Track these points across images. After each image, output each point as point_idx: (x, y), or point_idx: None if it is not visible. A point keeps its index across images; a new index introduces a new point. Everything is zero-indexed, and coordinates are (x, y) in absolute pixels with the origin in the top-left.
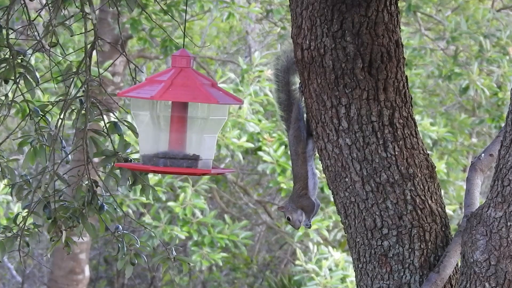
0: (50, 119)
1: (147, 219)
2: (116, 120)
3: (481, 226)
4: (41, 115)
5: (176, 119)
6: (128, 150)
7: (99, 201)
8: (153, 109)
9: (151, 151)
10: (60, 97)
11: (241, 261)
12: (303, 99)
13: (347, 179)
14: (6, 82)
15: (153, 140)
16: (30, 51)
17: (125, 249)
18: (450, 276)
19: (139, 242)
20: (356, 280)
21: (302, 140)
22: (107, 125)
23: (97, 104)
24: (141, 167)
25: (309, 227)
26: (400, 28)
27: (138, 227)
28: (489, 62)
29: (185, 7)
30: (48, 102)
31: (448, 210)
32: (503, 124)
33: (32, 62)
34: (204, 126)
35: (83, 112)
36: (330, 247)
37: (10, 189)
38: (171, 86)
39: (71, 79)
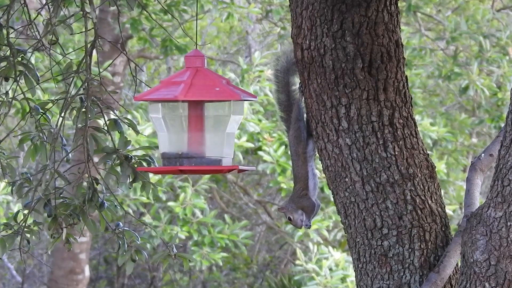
0: (50, 118)
1: (147, 219)
2: (116, 117)
3: (481, 226)
4: (42, 112)
5: (193, 119)
6: (129, 147)
7: (99, 199)
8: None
9: (170, 151)
10: (60, 96)
11: (241, 261)
12: (303, 99)
13: (347, 179)
14: (7, 80)
15: (165, 141)
16: (30, 50)
17: (126, 246)
18: (450, 276)
19: (139, 239)
20: (356, 280)
21: (302, 140)
22: (108, 123)
23: (97, 102)
24: (163, 169)
25: (309, 228)
26: (400, 28)
27: (139, 227)
28: (489, 62)
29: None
30: (48, 100)
31: (448, 210)
32: (503, 124)
33: (32, 62)
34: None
35: (83, 110)
36: (330, 247)
37: (11, 187)
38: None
39: (72, 77)
